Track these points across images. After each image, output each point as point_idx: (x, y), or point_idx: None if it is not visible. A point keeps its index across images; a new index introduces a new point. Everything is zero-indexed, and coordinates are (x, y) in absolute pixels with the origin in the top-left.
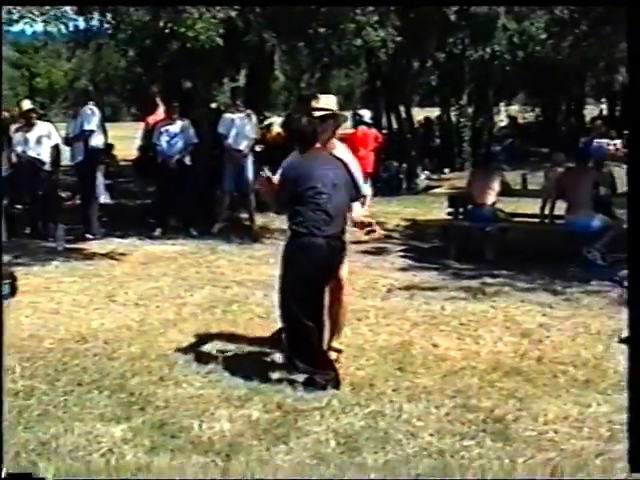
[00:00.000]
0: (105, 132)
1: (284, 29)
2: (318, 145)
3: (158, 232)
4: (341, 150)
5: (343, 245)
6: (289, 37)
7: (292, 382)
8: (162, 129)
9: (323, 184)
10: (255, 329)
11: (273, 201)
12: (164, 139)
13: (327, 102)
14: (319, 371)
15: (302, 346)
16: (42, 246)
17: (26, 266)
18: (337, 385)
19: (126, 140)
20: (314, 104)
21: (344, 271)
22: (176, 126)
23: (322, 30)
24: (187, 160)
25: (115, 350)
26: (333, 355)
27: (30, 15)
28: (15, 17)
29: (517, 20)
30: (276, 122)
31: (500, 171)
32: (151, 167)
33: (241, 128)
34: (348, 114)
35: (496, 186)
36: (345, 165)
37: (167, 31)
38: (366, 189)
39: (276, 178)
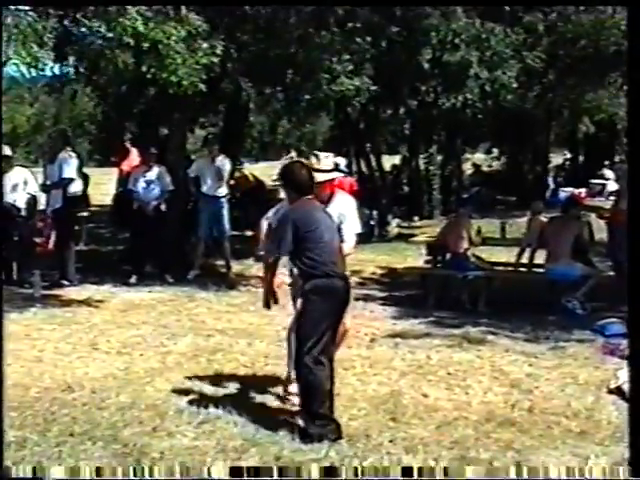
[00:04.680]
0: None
1: (259, 76)
2: (311, 196)
3: (134, 279)
4: (339, 199)
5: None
6: (264, 84)
7: (287, 432)
8: (138, 175)
9: (323, 227)
10: (241, 378)
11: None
12: (141, 185)
13: (328, 163)
14: (317, 421)
15: (306, 392)
16: (18, 292)
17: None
18: (337, 437)
19: (92, 185)
20: (315, 164)
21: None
22: (153, 172)
23: (296, 78)
24: (163, 207)
25: (104, 400)
26: None
27: (17, 57)
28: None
29: (489, 69)
30: (246, 168)
31: (468, 219)
32: (128, 214)
33: (217, 174)
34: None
35: (465, 233)
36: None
37: (149, 76)
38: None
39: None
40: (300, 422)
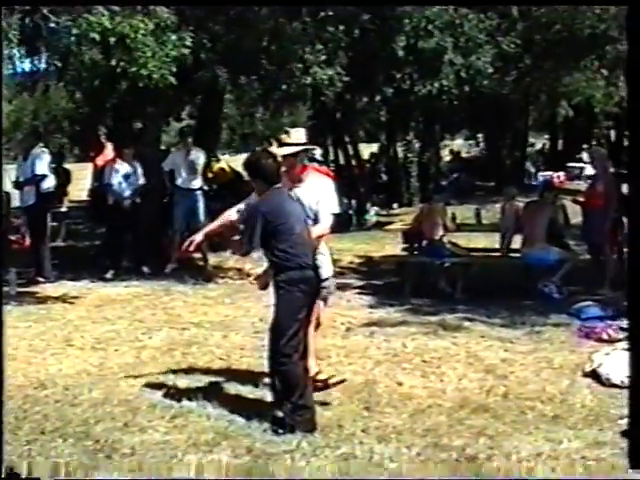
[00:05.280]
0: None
1: (233, 66)
2: (280, 184)
3: (110, 274)
4: (314, 180)
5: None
6: (239, 74)
7: (260, 424)
8: (113, 170)
9: (294, 219)
10: (216, 371)
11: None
12: (116, 180)
13: (298, 136)
14: (297, 412)
15: (287, 383)
16: None
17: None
18: (311, 428)
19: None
20: (285, 139)
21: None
22: (127, 167)
23: (271, 68)
24: (138, 200)
25: (76, 396)
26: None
27: None
28: None
29: (464, 55)
30: (226, 160)
31: (443, 206)
32: (104, 209)
33: (191, 167)
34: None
35: (440, 220)
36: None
37: (119, 70)
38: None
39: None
40: (279, 413)
